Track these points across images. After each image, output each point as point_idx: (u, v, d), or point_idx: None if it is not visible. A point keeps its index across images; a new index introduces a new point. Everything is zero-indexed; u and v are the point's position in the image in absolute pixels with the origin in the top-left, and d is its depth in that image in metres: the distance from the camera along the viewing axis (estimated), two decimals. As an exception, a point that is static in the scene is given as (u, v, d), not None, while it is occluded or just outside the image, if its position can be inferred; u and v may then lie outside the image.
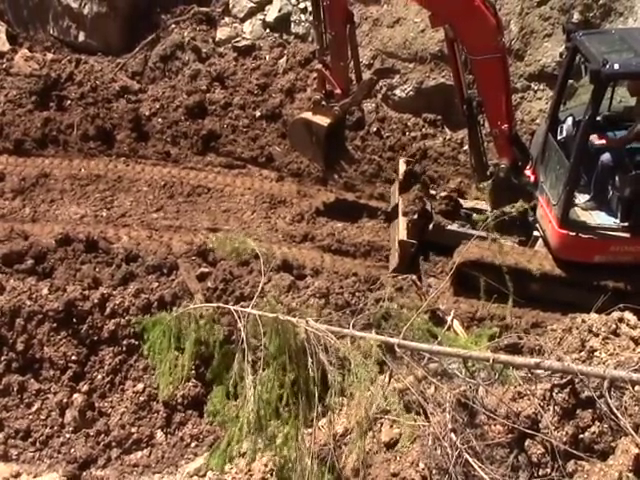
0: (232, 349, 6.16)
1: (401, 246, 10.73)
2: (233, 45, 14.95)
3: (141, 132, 13.36)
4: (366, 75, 12.04)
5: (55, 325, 9.41)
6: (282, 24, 14.84)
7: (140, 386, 9.27)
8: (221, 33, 15.16)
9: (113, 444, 9.03)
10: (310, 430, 6.22)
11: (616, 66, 8.89)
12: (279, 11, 14.80)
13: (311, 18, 14.36)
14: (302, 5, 14.67)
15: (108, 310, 9.52)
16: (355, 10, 14.21)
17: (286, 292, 9.50)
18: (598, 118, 10.03)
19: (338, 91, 11.31)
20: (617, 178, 9.75)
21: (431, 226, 11.10)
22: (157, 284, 10.01)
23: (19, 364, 9.37)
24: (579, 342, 6.40)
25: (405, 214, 11.02)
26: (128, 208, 12.03)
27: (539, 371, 5.80)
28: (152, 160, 13.00)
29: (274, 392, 5.86)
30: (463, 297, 10.13)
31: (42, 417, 9.18)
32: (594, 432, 5.65)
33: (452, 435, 5.59)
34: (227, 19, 15.33)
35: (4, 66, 14.60)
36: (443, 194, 11.71)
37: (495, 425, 5.79)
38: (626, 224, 9.74)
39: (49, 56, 15.09)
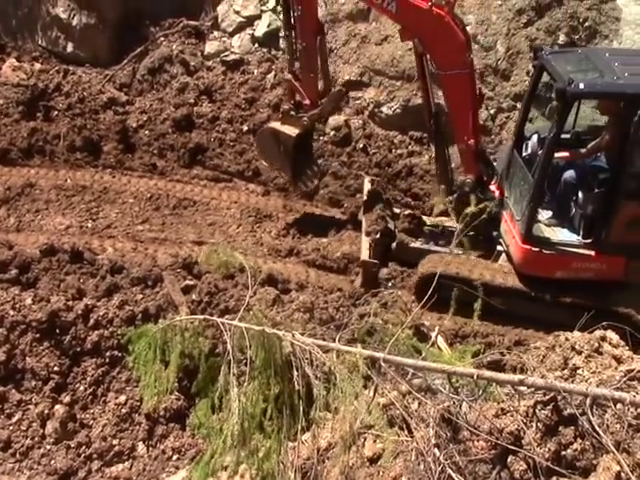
0: (217, 362, 6.15)
1: (363, 266, 10.85)
2: (222, 59, 15.02)
3: (128, 144, 13.40)
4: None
5: (38, 335, 9.35)
6: (271, 39, 14.91)
7: (122, 398, 9.22)
8: (210, 47, 15.22)
9: (94, 456, 8.95)
10: (293, 444, 6.22)
11: (581, 85, 9.03)
12: (268, 26, 14.88)
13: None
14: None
15: (92, 321, 9.46)
16: (343, 27, 14.39)
17: (271, 306, 9.50)
18: (567, 136, 10.32)
19: (307, 102, 11.38)
20: (580, 195, 9.91)
21: (394, 244, 11.23)
22: (142, 296, 9.98)
23: (0, 374, 9.29)
24: (562, 360, 6.44)
25: (368, 234, 11.12)
26: (114, 219, 12.03)
27: (522, 388, 5.82)
28: (138, 172, 13.03)
29: (258, 405, 5.85)
30: (446, 314, 10.18)
31: (23, 428, 9.09)
32: (576, 449, 5.67)
33: (435, 450, 5.60)
34: (216, 33, 15.39)
35: (-8, 76, 14.57)
36: (406, 212, 11.85)
37: (478, 441, 5.80)
38: (588, 241, 9.91)
39: (37, 66, 15.11)
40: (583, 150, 10.27)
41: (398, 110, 13.74)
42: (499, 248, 10.78)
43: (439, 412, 5.82)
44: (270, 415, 5.92)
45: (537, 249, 9.92)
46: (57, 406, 9.17)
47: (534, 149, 10.36)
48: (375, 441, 6.13)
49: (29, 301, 9.68)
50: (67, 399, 9.24)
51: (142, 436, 9.07)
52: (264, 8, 15.08)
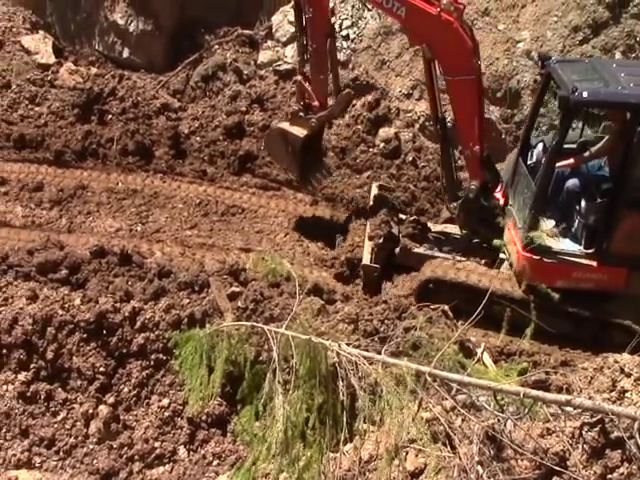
0: (262, 369, 6.18)
1: (364, 270, 11.05)
2: (274, 68, 15.12)
3: (179, 150, 13.54)
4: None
5: (85, 336, 9.44)
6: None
7: (165, 401, 9.26)
8: (263, 56, 15.34)
9: (136, 458, 8.99)
10: (335, 455, 6.21)
11: (585, 94, 9.09)
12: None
13: (353, 45, 14.61)
14: (344, 32, 14.81)
15: (138, 324, 9.53)
16: (397, 40, 14.40)
17: (316, 316, 9.50)
18: (573, 145, 10.42)
19: (316, 103, 11.45)
20: (582, 205, 9.90)
21: (398, 249, 11.31)
22: (188, 301, 10.02)
23: (47, 372, 9.40)
24: (610, 382, 6.33)
25: (371, 238, 11.25)
26: (163, 224, 12.18)
27: (569, 408, 5.75)
28: (188, 178, 13.17)
29: (301, 414, 5.85)
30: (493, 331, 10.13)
31: (67, 426, 9.19)
32: (623, 473, 5.58)
33: (479, 468, 5.55)
34: (270, 42, 15.51)
35: (49, 78, 14.84)
36: (411, 218, 11.90)
37: (522, 460, 5.74)
38: (589, 251, 9.91)
39: (93, 70, 15.37)
40: (586, 154, 10.26)
41: (449, 124, 13.67)
42: (502, 256, 10.82)
43: (483, 429, 5.77)
44: (313, 424, 5.93)
45: (538, 257, 9.93)
46: (101, 406, 9.24)
47: (539, 157, 10.42)
48: (417, 455, 6.09)
49: (78, 301, 9.78)
50: (111, 400, 9.31)
51: (183, 440, 9.09)
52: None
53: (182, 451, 9.08)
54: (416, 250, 11.31)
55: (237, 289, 10.34)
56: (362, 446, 6.13)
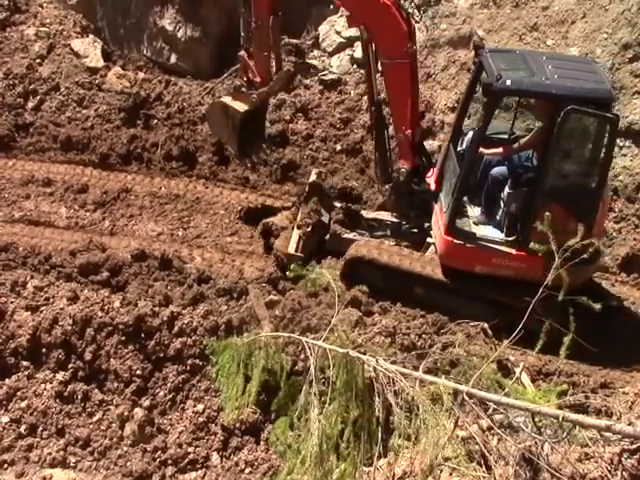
0: (298, 380, 6.17)
1: (288, 259, 10.93)
2: (320, 78, 15.11)
3: (222, 156, 13.59)
4: None
5: (123, 338, 9.54)
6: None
7: (200, 407, 9.31)
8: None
9: (169, 462, 9.05)
10: (368, 469, 6.18)
11: (508, 82, 9.34)
12: (368, 48, 14.91)
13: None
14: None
15: (176, 328, 9.60)
16: (443, 53, 14.34)
17: (353, 327, 9.47)
18: (505, 136, 10.70)
19: (258, 79, 11.58)
20: (505, 192, 10.06)
21: (328, 236, 11.48)
22: (226, 307, 10.08)
23: (85, 373, 9.52)
24: (651, 408, 6.25)
25: (299, 227, 11.37)
26: (204, 230, 12.25)
27: (609, 434, 5.65)
28: (231, 184, 13.23)
29: (336, 427, 5.83)
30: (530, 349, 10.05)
31: (102, 428, 9.29)
32: (662, 503, 5.49)
33: (514, 490, 5.49)
34: (316, 52, 15.52)
35: (97, 82, 15.00)
36: (342, 205, 12.03)
37: (559, 484, 5.66)
38: (510, 239, 10.04)
39: (140, 75, 15.49)
40: (515, 145, 10.39)
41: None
42: (429, 240, 11.00)
43: (520, 451, 5.70)
44: (347, 438, 5.90)
45: (459, 242, 10.12)
46: (137, 409, 9.33)
47: (468, 145, 10.49)
48: (452, 474, 6.03)
49: (117, 304, 9.89)
50: (147, 403, 9.39)
51: (217, 446, 9.13)
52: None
53: (215, 457, 9.12)
54: (346, 236, 11.44)
55: (275, 298, 10.36)
56: (396, 462, 6.09)
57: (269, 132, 13.89)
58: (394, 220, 11.61)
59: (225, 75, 15.35)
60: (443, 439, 5.33)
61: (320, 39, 15.52)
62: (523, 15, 13.74)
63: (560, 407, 6.11)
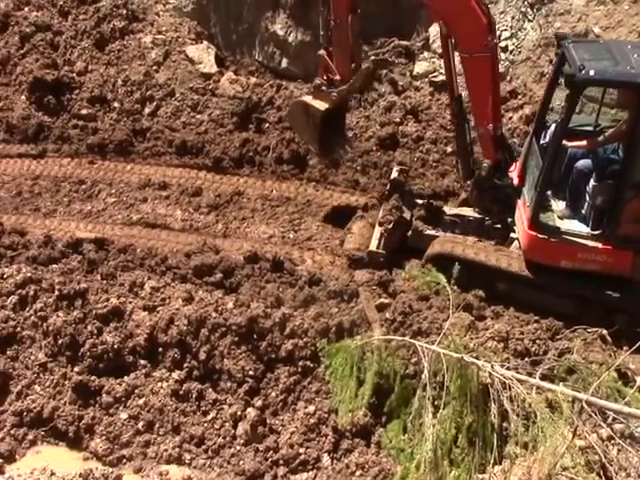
0: (411, 384, 6.14)
1: (370, 256, 11.20)
2: (430, 80, 14.98)
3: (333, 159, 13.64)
4: None
5: (237, 339, 9.69)
6: (481, 62, 14.73)
7: (311, 408, 9.34)
8: (419, 67, 15.24)
9: (281, 462, 9.11)
10: (482, 476, 6.09)
11: (591, 72, 9.05)
12: (479, 49, 14.72)
13: (511, 57, 14.32)
14: (503, 44, 14.53)
15: (287, 330, 9.69)
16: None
17: (465, 332, 9.35)
18: (591, 128, 10.52)
19: (337, 77, 11.53)
20: (590, 185, 9.77)
21: (410, 232, 11.54)
22: (337, 310, 10.11)
23: (200, 373, 9.71)
24: None
25: (380, 224, 11.51)
26: (314, 232, 12.34)
27: None
28: (341, 187, 13.28)
29: (450, 433, 5.78)
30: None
31: (216, 426, 9.44)
32: None
33: (636, 502, 5.30)
34: (426, 54, 15.38)
35: (210, 87, 15.35)
36: (423, 202, 11.89)
37: (684, 498, 5.44)
38: (596, 232, 9.87)
39: (252, 80, 15.73)
40: (600, 138, 10.07)
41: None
42: (512, 235, 10.87)
43: (642, 462, 5.52)
44: (462, 444, 5.84)
45: (544, 236, 9.96)
46: (249, 409, 9.45)
47: (551, 137, 10.20)
48: (570, 484, 5.89)
49: (230, 305, 10.06)
50: (259, 403, 9.50)
51: (327, 448, 9.13)
52: (476, 30, 14.94)
53: (326, 459, 9.12)
54: (427, 232, 11.39)
55: (386, 300, 10.35)
56: (511, 470, 5.98)
57: (379, 134, 13.91)
58: (477, 216, 11.50)
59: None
60: (561, 448, 5.20)
61: (430, 40, 15.38)
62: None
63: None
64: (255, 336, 9.74)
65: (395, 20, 15.80)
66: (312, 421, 9.25)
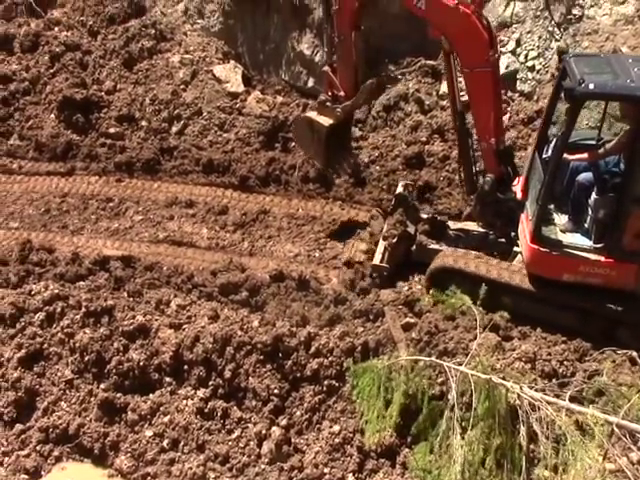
0: (438, 405, 6.10)
1: (374, 270, 11.28)
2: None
3: (358, 178, 13.66)
4: None
5: (262, 357, 9.71)
6: (508, 81, 14.67)
7: (336, 428, 9.29)
8: (445, 86, 15.23)
9: (305, 481, 9.11)
10: (510, 499, 6.02)
11: (591, 86, 9.01)
12: (506, 68, 14.66)
13: (538, 76, 14.27)
14: (530, 63, 14.50)
15: (313, 349, 9.68)
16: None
17: (491, 352, 9.27)
18: (594, 142, 10.39)
19: (342, 94, 11.68)
20: (592, 198, 9.70)
21: (414, 247, 11.53)
22: (362, 329, 10.08)
23: (225, 391, 9.74)
24: None
25: (385, 238, 11.55)
26: (340, 251, 12.30)
27: None
28: (367, 206, 13.24)
29: (478, 454, 5.72)
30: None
31: (241, 445, 9.43)
32: None
33: (668, 528, 5.22)
34: (453, 73, 15.40)
35: (237, 106, 15.48)
36: (427, 216, 12.04)
37: None
38: (598, 246, 9.76)
39: (279, 99, 15.85)
40: (601, 150, 9.98)
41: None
42: (516, 249, 10.84)
43: (674, 487, 5.43)
44: (489, 466, 5.78)
45: (545, 249, 9.88)
46: (274, 428, 9.44)
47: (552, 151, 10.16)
48: (600, 508, 5.80)
49: (256, 323, 10.09)
50: (284, 422, 9.49)
51: (352, 468, 9.06)
52: (503, 50, 14.88)
53: (350, 479, 9.07)
54: (432, 246, 11.41)
55: (412, 320, 10.30)
56: (540, 493, 5.92)
57: (405, 154, 13.91)
58: (481, 230, 11.53)
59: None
60: (592, 471, 5.13)
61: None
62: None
63: None
64: (280, 355, 9.74)
65: (421, 40, 15.78)
66: (337, 441, 9.21)
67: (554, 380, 8.41)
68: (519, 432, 5.54)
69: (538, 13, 14.43)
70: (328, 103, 11.92)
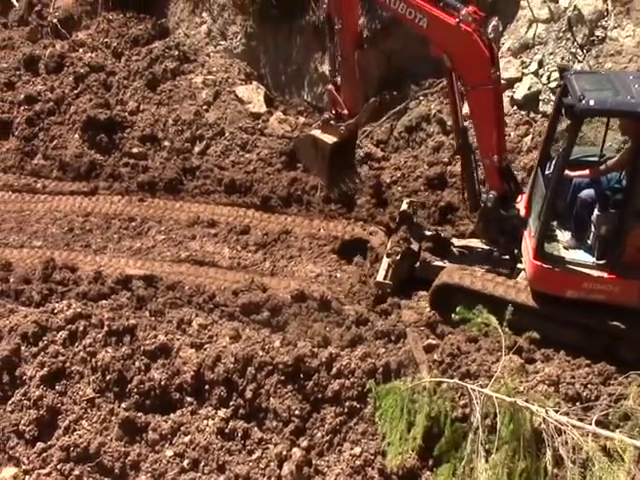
0: (461, 427, 6.04)
1: (377, 287, 11.39)
2: (478, 120, 14.95)
3: (380, 198, 13.67)
4: None
5: (283, 378, 9.64)
6: (530, 102, 14.65)
7: (357, 450, 9.19)
8: (468, 108, 15.22)
9: (326, 504, 9.03)
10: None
11: (591, 102, 9.09)
12: (528, 89, 14.64)
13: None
14: (552, 85, 14.47)
15: (334, 370, 9.60)
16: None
17: (515, 374, 9.19)
18: (595, 158, 10.42)
19: (345, 112, 11.73)
20: (595, 215, 9.87)
21: (418, 263, 11.58)
22: (384, 350, 10.02)
23: (245, 411, 9.66)
24: None
25: (388, 255, 11.61)
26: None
27: None
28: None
29: (502, 478, 5.66)
30: None
31: (261, 466, 9.35)
32: None
33: None
34: (475, 94, 15.38)
35: (259, 126, 15.57)
36: (430, 233, 12.12)
37: None
38: (601, 262, 9.81)
39: (301, 120, 15.95)
40: (602, 167, 10.03)
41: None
42: (519, 266, 10.85)
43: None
44: (514, 490, 5.72)
45: (548, 266, 9.93)
46: (295, 449, 9.35)
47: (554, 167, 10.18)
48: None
49: (277, 344, 10.04)
50: (305, 443, 9.40)
51: (373, 491, 9.02)
52: (525, 71, 14.87)
53: (371, 501, 8.99)
54: (435, 263, 11.43)
55: (434, 342, 10.26)
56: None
57: (427, 174, 13.91)
58: (484, 247, 11.57)
59: (384, 118, 15.48)
60: (620, 497, 5.06)
61: (478, 81, 15.39)
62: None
63: None
64: (302, 375, 9.67)
65: (443, 61, 15.82)
66: (358, 463, 9.11)
67: (578, 404, 8.32)
68: (544, 456, 5.47)
69: (560, 35, 14.43)
70: (332, 121, 11.99)
